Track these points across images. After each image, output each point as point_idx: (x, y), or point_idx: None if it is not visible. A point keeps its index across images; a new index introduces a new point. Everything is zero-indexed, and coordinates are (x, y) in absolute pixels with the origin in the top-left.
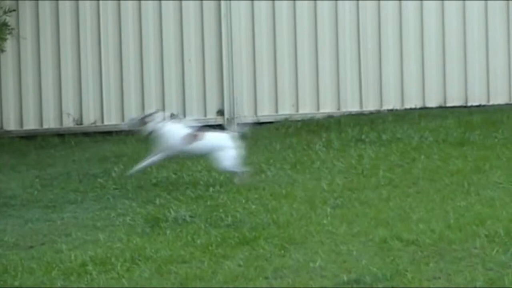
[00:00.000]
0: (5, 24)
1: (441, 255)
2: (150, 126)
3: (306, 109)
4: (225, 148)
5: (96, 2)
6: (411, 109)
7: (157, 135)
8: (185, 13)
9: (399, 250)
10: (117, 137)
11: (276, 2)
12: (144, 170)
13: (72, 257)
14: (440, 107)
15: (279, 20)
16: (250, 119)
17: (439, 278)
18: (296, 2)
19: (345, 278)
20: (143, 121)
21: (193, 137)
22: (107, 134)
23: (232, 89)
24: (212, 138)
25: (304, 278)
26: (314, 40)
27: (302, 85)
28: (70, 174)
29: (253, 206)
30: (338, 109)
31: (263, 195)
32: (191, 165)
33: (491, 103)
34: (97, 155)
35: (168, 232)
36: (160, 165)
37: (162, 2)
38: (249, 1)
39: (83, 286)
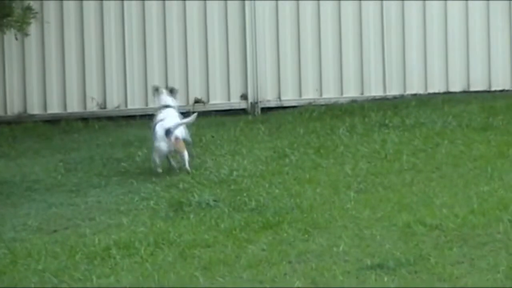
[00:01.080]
0: (29, 8)
1: (464, 240)
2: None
3: (330, 94)
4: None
5: None
6: (434, 93)
7: None
8: None
9: (422, 235)
10: (141, 121)
11: None
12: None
13: (96, 241)
14: (464, 91)
15: (303, 4)
16: (273, 103)
17: (463, 262)
18: None
19: (369, 263)
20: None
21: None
22: (131, 118)
23: (255, 73)
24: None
25: (327, 262)
26: (338, 24)
27: (325, 70)
28: (94, 158)
29: (277, 191)
30: (362, 93)
31: (287, 179)
32: (215, 149)
33: None
34: (120, 139)
35: (191, 216)
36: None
37: None
38: None
39: (107, 270)
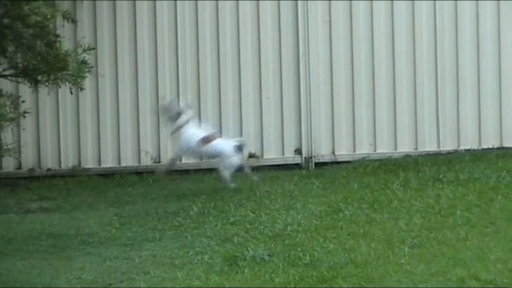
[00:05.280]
0: (84, 62)
1: None
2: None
3: (384, 149)
4: (228, 154)
5: (174, 42)
6: (488, 149)
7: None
8: (263, 52)
9: None
10: (195, 175)
11: (354, 42)
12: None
13: None
14: None
15: (357, 60)
16: (327, 158)
17: None
18: (374, 42)
19: None
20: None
21: (206, 140)
22: (185, 172)
23: (309, 129)
24: (218, 143)
25: None
26: (392, 79)
27: (379, 125)
28: (148, 212)
29: (331, 245)
30: (416, 148)
31: (341, 234)
32: (269, 203)
33: None
34: (175, 193)
35: (246, 270)
36: (238, 203)
37: (241, 41)
38: (327, 41)
39: None
